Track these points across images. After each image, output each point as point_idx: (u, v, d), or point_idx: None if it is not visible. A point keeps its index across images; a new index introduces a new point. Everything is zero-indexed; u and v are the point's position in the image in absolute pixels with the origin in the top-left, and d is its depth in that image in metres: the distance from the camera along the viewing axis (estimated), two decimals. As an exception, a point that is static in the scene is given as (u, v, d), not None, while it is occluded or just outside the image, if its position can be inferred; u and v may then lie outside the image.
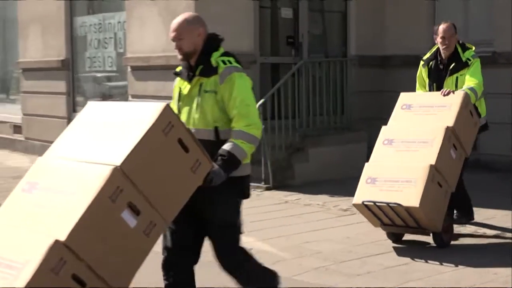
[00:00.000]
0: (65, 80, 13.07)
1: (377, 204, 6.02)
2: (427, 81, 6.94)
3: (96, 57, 12.70)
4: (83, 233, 3.16)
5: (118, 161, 3.26)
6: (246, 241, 6.61)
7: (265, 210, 8.17)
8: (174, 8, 10.15)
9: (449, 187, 6.18)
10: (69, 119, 12.74)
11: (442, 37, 6.71)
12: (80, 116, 3.97)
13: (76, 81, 13.18)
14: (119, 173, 3.24)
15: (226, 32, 9.79)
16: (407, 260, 6.05)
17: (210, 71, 3.89)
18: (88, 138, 3.72)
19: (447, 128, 6.13)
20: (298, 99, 10.29)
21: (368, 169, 6.32)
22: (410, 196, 5.86)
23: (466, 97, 6.33)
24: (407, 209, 5.87)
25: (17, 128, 14.77)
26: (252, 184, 9.19)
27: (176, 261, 4.09)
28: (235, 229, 4.03)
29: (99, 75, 12.78)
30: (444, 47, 6.74)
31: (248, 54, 10.21)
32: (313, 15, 11.50)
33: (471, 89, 6.47)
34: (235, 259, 4.06)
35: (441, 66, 6.82)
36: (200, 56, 3.96)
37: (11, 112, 15.09)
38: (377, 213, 6.14)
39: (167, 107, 3.45)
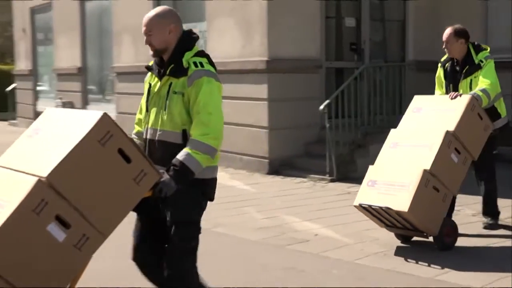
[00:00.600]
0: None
1: (372, 207, 5.68)
2: (444, 82, 6.47)
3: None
4: (4, 246, 2.85)
5: (45, 173, 2.91)
6: (313, 227, 6.73)
7: (329, 200, 8.26)
8: (248, 19, 10.27)
9: (449, 191, 5.67)
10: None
11: (443, 42, 6.29)
12: (34, 124, 3.56)
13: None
14: (43, 185, 2.89)
15: (296, 39, 10.03)
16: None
17: (180, 71, 3.46)
18: (31, 147, 3.36)
19: (447, 133, 5.60)
20: (360, 100, 10.35)
21: (371, 171, 5.93)
22: (402, 200, 5.41)
23: (472, 101, 5.79)
24: (398, 213, 5.47)
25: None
26: (317, 176, 9.41)
27: (144, 255, 3.69)
28: (190, 228, 3.53)
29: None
30: (446, 51, 6.33)
31: (315, 59, 10.35)
32: (374, 23, 11.51)
33: (483, 90, 5.94)
34: (181, 260, 3.54)
35: (457, 68, 6.33)
36: (172, 55, 3.52)
37: (107, 111, 15.37)
38: (376, 215, 5.82)
39: (105, 116, 3.07)
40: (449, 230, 5.76)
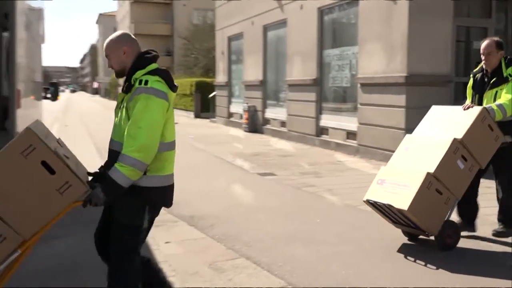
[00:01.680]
0: (315, 92, 13.78)
1: (377, 203, 5.17)
2: (472, 92, 5.66)
3: (337, 77, 13.06)
4: None
5: None
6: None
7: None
8: (392, 44, 10.46)
9: (452, 195, 5.01)
10: (317, 119, 13.64)
11: (482, 54, 5.45)
12: None
13: (322, 93, 13.78)
14: None
15: (430, 59, 10.15)
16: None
17: (128, 88, 3.12)
18: None
19: (454, 140, 4.99)
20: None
21: (382, 171, 5.39)
22: (403, 199, 4.84)
23: (483, 113, 5.12)
24: (399, 211, 4.93)
25: (283, 123, 15.70)
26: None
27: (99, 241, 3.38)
28: (127, 231, 3.13)
29: (337, 89, 13.27)
30: (484, 62, 5.45)
31: (446, 75, 10.24)
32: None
33: (499, 106, 5.22)
34: (116, 259, 3.17)
35: (485, 79, 5.48)
36: (127, 73, 3.18)
37: (280, 114, 16.06)
38: (382, 211, 5.29)
39: (29, 131, 2.76)
40: (451, 231, 5.09)
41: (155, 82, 3.06)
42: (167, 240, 5.33)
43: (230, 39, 20.71)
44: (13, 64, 4.88)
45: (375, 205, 5.28)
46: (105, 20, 79.10)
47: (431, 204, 4.89)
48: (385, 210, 5.18)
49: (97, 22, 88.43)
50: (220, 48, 21.92)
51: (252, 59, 18.11)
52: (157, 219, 6.18)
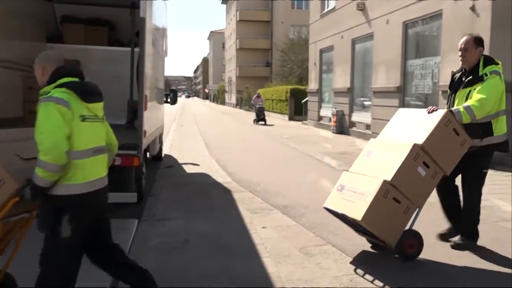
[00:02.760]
0: (398, 99, 13.33)
1: (333, 211, 4.38)
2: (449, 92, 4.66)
3: (419, 85, 12.57)
4: None
5: None
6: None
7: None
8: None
9: (413, 204, 4.09)
10: (399, 123, 13.14)
11: (460, 49, 4.42)
12: None
13: (405, 100, 13.32)
14: None
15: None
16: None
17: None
18: None
19: (414, 146, 4.06)
20: None
21: (343, 177, 4.48)
22: (358, 208, 4.00)
23: (447, 116, 4.13)
24: (354, 221, 4.15)
25: (367, 126, 15.47)
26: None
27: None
28: (46, 238, 2.89)
29: (420, 95, 12.81)
30: (461, 58, 4.42)
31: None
32: None
33: (466, 108, 4.15)
34: (42, 263, 2.91)
35: (463, 78, 4.44)
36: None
37: (365, 118, 15.85)
38: (342, 219, 4.47)
39: None
40: (413, 241, 4.17)
41: (58, 92, 2.87)
42: (263, 226, 5.38)
43: (322, 51, 20.56)
44: (142, 74, 5.17)
45: (332, 213, 4.46)
46: (215, 36, 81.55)
47: (388, 214, 4.03)
48: (344, 218, 4.39)
49: (208, 38, 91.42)
50: (312, 59, 21.84)
51: (341, 69, 17.87)
52: (255, 207, 6.21)
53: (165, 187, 7.44)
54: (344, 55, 17.45)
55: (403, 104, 13.14)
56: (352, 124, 16.88)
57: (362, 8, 15.73)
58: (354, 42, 16.82)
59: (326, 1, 20.08)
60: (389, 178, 4.01)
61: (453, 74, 4.64)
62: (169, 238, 4.84)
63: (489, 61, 4.37)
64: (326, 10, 19.94)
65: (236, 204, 6.44)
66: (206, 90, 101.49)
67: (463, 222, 4.57)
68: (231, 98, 58.42)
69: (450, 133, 4.17)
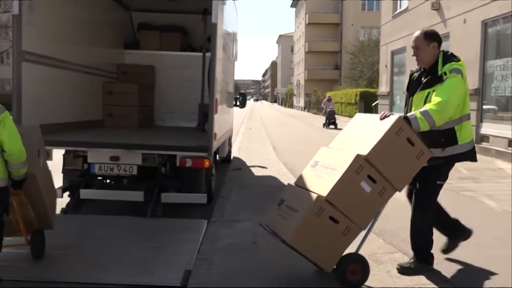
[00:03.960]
0: (476, 101, 12.68)
1: (268, 228, 3.78)
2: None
3: (499, 87, 11.93)
4: None
5: None
6: None
7: None
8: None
9: (354, 224, 3.48)
10: (477, 127, 12.46)
11: (412, 46, 3.86)
12: None
13: (483, 102, 12.64)
14: None
15: None
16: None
17: None
18: None
19: (357, 157, 3.41)
20: None
21: (284, 190, 3.92)
22: (289, 227, 3.47)
23: (398, 123, 3.47)
24: (282, 241, 3.55)
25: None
26: None
27: None
28: None
29: (500, 98, 12.07)
30: (415, 58, 3.88)
31: None
32: None
33: (424, 112, 3.52)
34: None
35: (423, 79, 3.83)
36: None
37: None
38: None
39: None
40: (356, 267, 3.58)
41: None
42: (331, 230, 5.29)
43: (394, 53, 20.07)
44: (213, 78, 5.30)
45: (266, 228, 3.87)
46: (284, 40, 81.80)
47: (323, 235, 3.44)
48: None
49: (277, 42, 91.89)
50: (384, 62, 21.37)
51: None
52: None
53: (234, 189, 7.54)
54: (417, 56, 16.88)
55: (481, 107, 12.47)
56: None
57: (437, 7, 15.18)
58: (428, 43, 16.23)
59: (398, 2, 19.55)
60: (325, 193, 3.40)
61: (412, 74, 4.07)
62: (238, 239, 4.89)
63: (449, 57, 3.75)
64: (398, 10, 19.43)
65: (303, 207, 6.39)
66: (275, 93, 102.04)
67: (412, 243, 3.98)
68: (299, 101, 58.31)
69: (403, 143, 3.50)
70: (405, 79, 18.15)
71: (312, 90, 46.73)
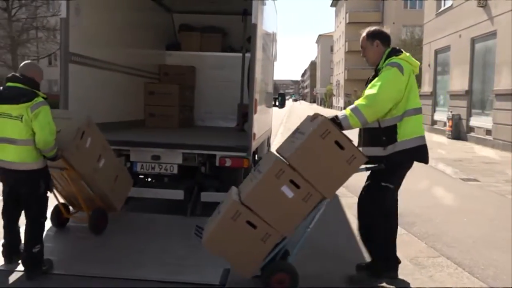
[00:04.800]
0: None
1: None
2: None
3: None
4: None
5: None
6: None
7: None
8: None
9: (275, 231, 3.28)
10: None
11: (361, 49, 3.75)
12: None
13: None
14: None
15: None
16: None
17: None
18: None
19: (277, 161, 3.28)
20: None
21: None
22: (207, 230, 3.40)
23: (324, 125, 3.24)
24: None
25: (488, 131, 14.35)
26: None
27: None
28: None
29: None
30: (365, 59, 3.77)
31: None
32: None
33: (353, 109, 3.36)
34: None
35: (370, 78, 3.72)
36: None
37: (485, 123, 14.73)
38: None
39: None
40: (282, 276, 3.34)
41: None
42: (371, 232, 5.20)
43: (437, 51, 19.57)
44: (252, 78, 5.30)
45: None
46: (323, 40, 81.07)
47: (240, 240, 3.30)
48: None
49: (316, 42, 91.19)
50: (426, 61, 20.83)
51: (458, 70, 16.79)
52: None
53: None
54: (462, 55, 16.38)
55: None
56: (471, 129, 15.75)
57: (483, 5, 14.66)
58: (473, 41, 15.72)
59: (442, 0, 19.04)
60: (243, 197, 3.30)
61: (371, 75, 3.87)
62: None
63: (392, 53, 3.61)
64: (442, 8, 18.90)
65: (343, 209, 6.33)
66: (314, 93, 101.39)
67: (373, 248, 3.74)
68: (339, 101, 57.66)
69: (330, 147, 3.26)
70: (450, 79, 17.64)
71: (352, 90, 46.07)
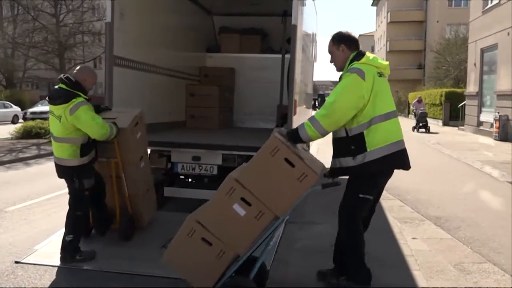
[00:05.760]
0: None
1: None
2: None
3: None
4: None
5: None
6: None
7: None
8: None
9: (229, 248, 3.20)
10: None
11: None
12: None
13: None
14: None
15: None
16: None
17: None
18: None
19: (228, 179, 3.22)
20: None
21: None
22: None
23: (274, 142, 3.11)
24: None
25: None
26: None
27: None
28: None
29: None
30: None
31: None
32: None
33: (311, 119, 3.23)
34: None
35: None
36: None
37: None
38: None
39: None
40: None
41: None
42: (413, 236, 5.11)
43: (483, 50, 18.92)
44: (292, 80, 5.29)
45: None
46: (364, 40, 79.50)
47: (196, 256, 3.27)
48: None
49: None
50: (472, 60, 20.18)
51: (506, 69, 16.19)
52: (404, 216, 6.09)
53: (312, 190, 7.49)
54: (510, 53, 15.74)
55: None
56: (519, 130, 15.13)
57: (533, 0, 14.03)
58: (523, 39, 15.09)
59: (489, -4, 18.41)
60: (197, 214, 3.29)
61: None
62: (315, 241, 4.87)
63: (354, 59, 3.40)
64: (489, 5, 18.25)
65: (384, 212, 6.21)
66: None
67: (342, 261, 3.59)
68: (380, 102, 56.66)
69: (280, 165, 3.12)
70: (497, 78, 17.01)
71: (394, 90, 45.19)
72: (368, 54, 3.42)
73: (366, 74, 3.27)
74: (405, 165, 3.39)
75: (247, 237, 3.26)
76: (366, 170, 3.27)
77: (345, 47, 3.50)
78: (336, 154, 3.37)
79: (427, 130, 20.56)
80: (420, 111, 21.24)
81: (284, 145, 3.15)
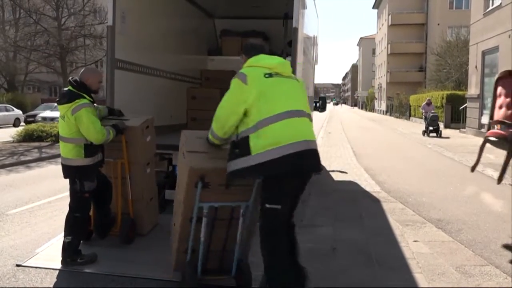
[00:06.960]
0: None
1: None
2: None
3: None
4: None
5: None
6: None
7: None
8: None
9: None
10: None
11: None
12: None
13: None
14: None
15: None
16: None
17: None
18: None
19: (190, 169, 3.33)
20: None
21: None
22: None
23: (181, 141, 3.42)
24: None
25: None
26: None
27: None
28: None
29: None
30: None
31: None
32: None
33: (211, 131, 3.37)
34: None
35: None
36: None
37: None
38: None
39: None
40: None
41: None
42: (415, 239, 5.09)
43: (485, 53, 18.91)
44: (293, 82, 5.28)
45: None
46: (365, 42, 79.90)
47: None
48: None
49: (357, 44, 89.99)
50: (473, 62, 20.19)
51: (507, 72, 16.11)
52: (406, 218, 6.09)
53: (313, 193, 7.49)
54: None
55: None
56: (521, 132, 15.07)
57: (535, 2, 14.03)
58: (524, 41, 15.08)
59: (490, -2, 18.43)
60: None
61: None
62: (317, 244, 4.85)
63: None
64: (490, 8, 18.27)
65: (385, 214, 6.21)
66: (355, 97, 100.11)
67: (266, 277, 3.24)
68: (381, 105, 56.66)
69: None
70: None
71: (395, 93, 45.18)
72: (259, 56, 3.34)
73: (248, 77, 3.18)
74: (308, 167, 3.18)
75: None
76: (253, 175, 3.12)
77: (244, 56, 3.48)
78: (228, 159, 3.21)
79: (439, 135, 18.87)
80: (431, 114, 19.53)
81: (182, 144, 3.69)
